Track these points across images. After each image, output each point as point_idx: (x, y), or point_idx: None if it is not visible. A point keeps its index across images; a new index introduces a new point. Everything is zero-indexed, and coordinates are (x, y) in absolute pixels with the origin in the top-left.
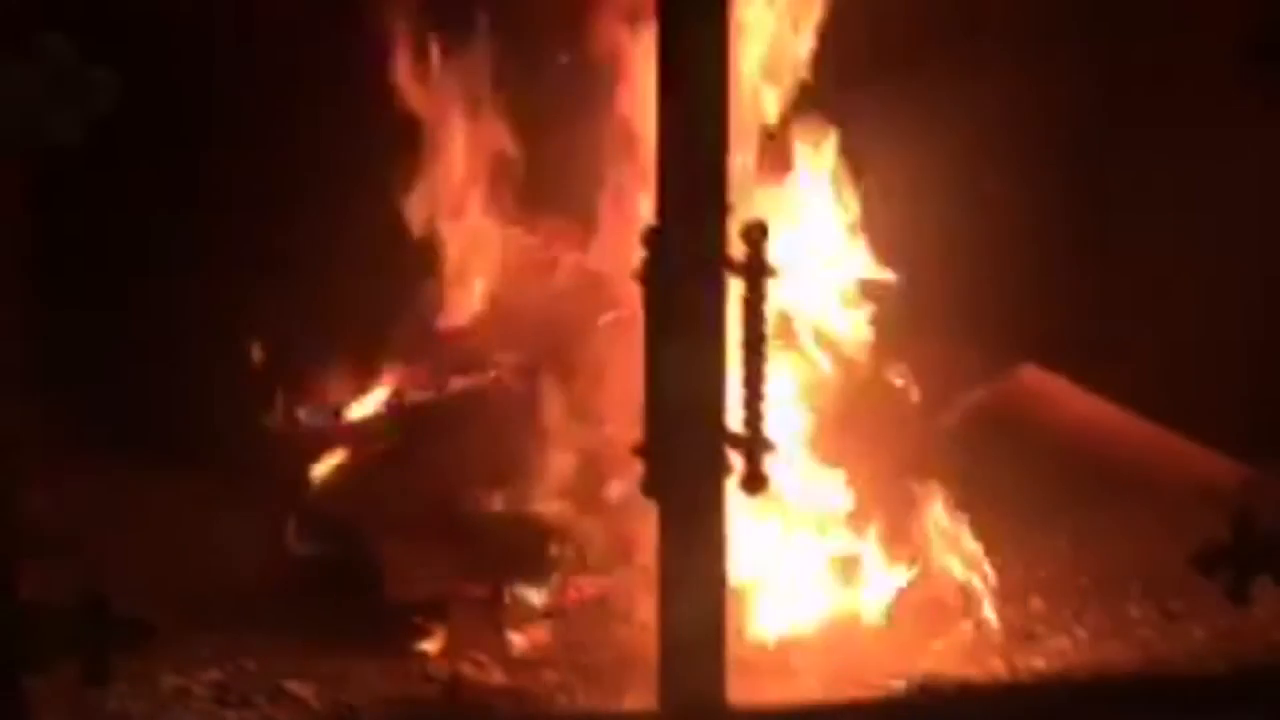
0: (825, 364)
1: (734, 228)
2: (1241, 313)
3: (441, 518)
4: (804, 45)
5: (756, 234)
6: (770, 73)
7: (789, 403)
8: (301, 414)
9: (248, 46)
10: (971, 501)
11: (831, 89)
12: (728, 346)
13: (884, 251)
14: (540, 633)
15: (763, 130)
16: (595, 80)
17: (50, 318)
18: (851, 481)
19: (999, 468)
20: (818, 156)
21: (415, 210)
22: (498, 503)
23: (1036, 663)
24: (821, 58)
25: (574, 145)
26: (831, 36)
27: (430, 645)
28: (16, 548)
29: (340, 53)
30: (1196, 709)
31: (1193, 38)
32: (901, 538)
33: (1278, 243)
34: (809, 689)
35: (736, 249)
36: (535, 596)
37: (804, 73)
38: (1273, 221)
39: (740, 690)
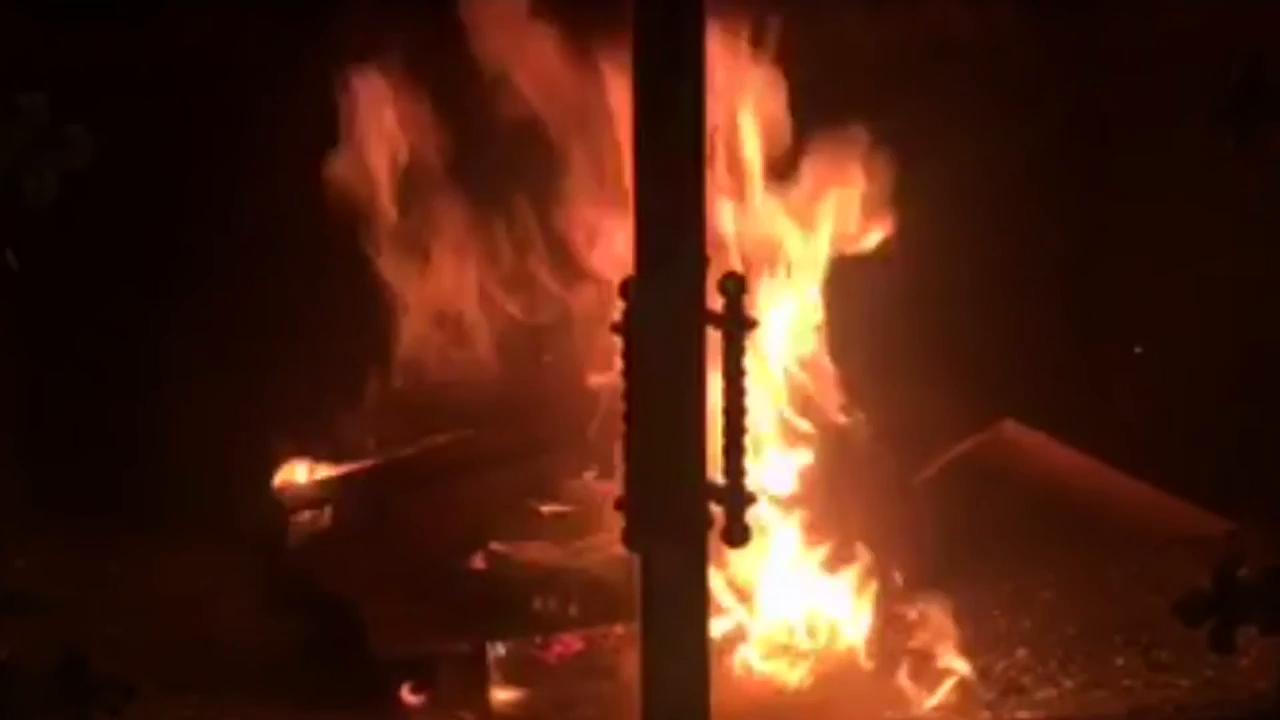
0: (806, 417)
1: (712, 279)
2: (1219, 366)
3: (424, 575)
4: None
5: (734, 286)
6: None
7: (770, 455)
8: (282, 474)
9: (224, 126)
10: (954, 553)
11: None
12: (707, 398)
13: (867, 304)
14: (524, 689)
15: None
16: (574, 134)
17: (34, 384)
18: (834, 533)
19: (981, 520)
20: (800, 210)
21: (395, 270)
22: (480, 559)
23: (1023, 714)
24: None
25: (556, 199)
26: (817, 93)
27: (414, 703)
28: None
29: (318, 118)
30: None
31: (1173, 97)
32: (885, 590)
33: (1253, 297)
34: None
35: (715, 301)
36: (519, 653)
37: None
38: (1247, 277)
39: None
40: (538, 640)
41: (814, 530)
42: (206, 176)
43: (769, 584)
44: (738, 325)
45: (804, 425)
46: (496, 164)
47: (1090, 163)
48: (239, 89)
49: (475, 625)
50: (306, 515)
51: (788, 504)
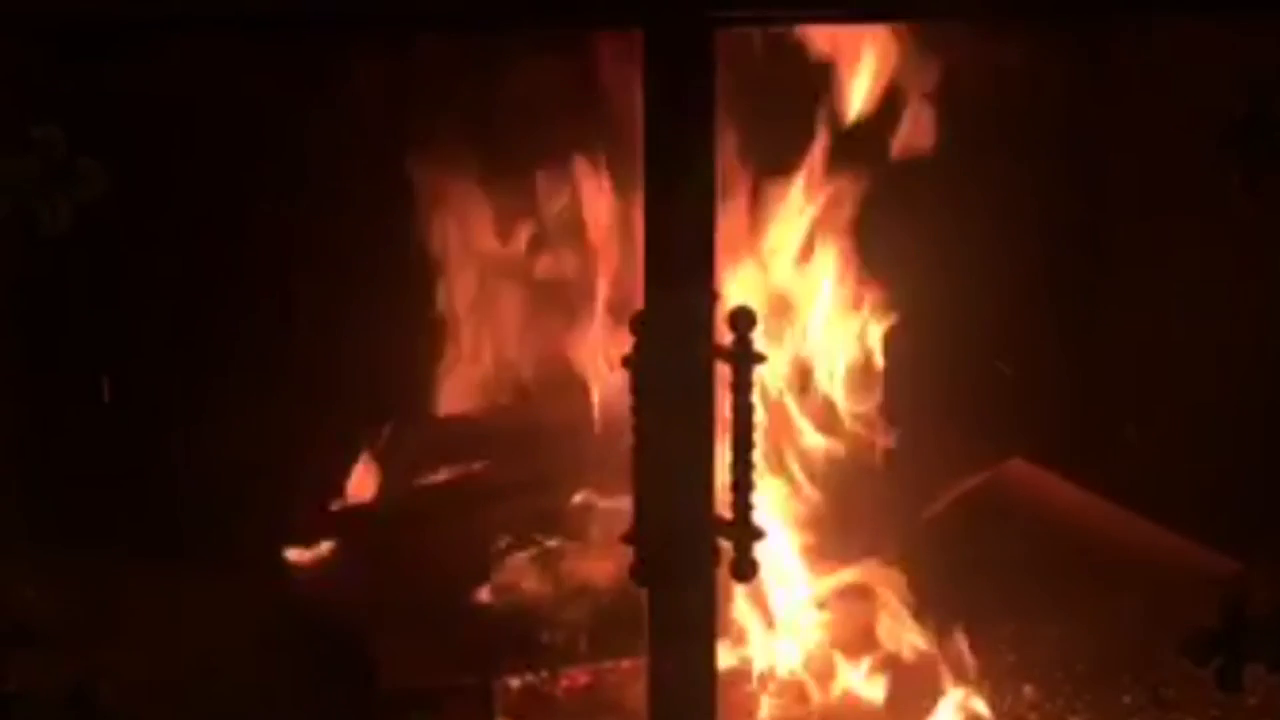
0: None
1: (721, 313)
2: (1226, 405)
3: (431, 609)
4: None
5: (744, 320)
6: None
7: (778, 489)
8: (293, 505)
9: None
10: (961, 591)
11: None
12: (715, 432)
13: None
14: None
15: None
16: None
17: (41, 411)
18: (841, 568)
19: (988, 558)
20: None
21: (410, 297)
22: (486, 593)
23: None
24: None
25: (575, 229)
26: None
27: None
28: (3, 640)
29: (340, 149)
30: None
31: (1187, 135)
32: (892, 625)
33: (1262, 338)
34: None
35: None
36: (526, 687)
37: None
38: (1257, 317)
39: None
40: (545, 674)
41: (821, 565)
42: (217, 210)
43: (776, 618)
44: (747, 360)
45: (812, 460)
46: (512, 197)
47: (1102, 198)
48: (258, 120)
49: (482, 659)
50: (314, 549)
51: (794, 539)
